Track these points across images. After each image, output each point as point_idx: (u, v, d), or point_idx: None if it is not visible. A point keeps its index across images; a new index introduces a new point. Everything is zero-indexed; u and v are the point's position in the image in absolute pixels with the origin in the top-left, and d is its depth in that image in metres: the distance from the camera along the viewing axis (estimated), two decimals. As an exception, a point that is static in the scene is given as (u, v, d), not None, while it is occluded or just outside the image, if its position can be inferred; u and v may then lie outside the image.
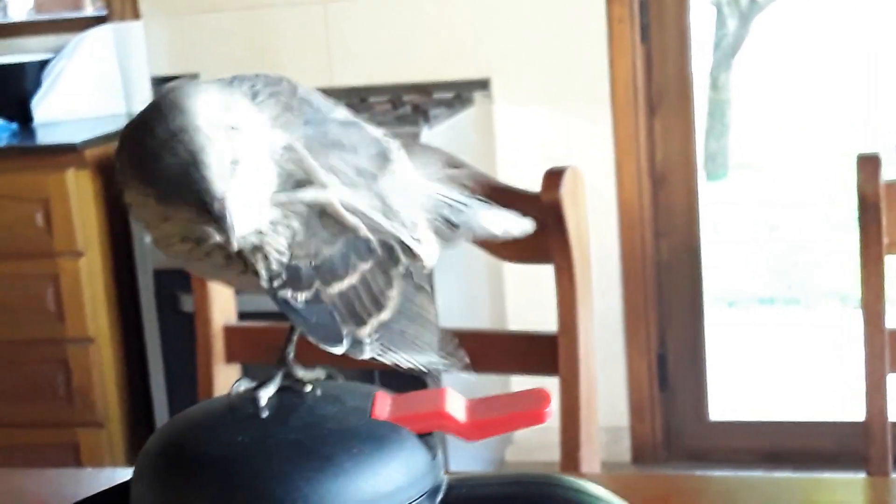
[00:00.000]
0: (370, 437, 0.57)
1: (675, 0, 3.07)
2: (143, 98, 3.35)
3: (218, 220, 0.56)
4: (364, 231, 0.63)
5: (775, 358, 4.12)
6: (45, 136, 3.13)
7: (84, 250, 2.92)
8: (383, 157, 0.66)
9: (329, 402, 0.60)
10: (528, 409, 0.58)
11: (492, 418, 0.59)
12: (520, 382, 2.82)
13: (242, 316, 1.70)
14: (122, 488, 0.59)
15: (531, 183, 1.46)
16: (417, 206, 0.68)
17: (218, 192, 0.56)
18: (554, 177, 1.45)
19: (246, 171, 0.58)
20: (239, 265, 0.60)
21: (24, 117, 3.25)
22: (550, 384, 1.24)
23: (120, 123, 3.20)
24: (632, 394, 3.16)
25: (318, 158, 0.61)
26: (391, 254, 0.65)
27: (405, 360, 0.65)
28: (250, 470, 0.55)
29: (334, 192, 0.61)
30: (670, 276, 3.16)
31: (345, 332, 0.62)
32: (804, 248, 4.88)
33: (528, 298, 3.14)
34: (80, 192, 2.90)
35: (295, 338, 0.64)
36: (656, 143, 3.11)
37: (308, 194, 0.60)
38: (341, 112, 0.67)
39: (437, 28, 3.16)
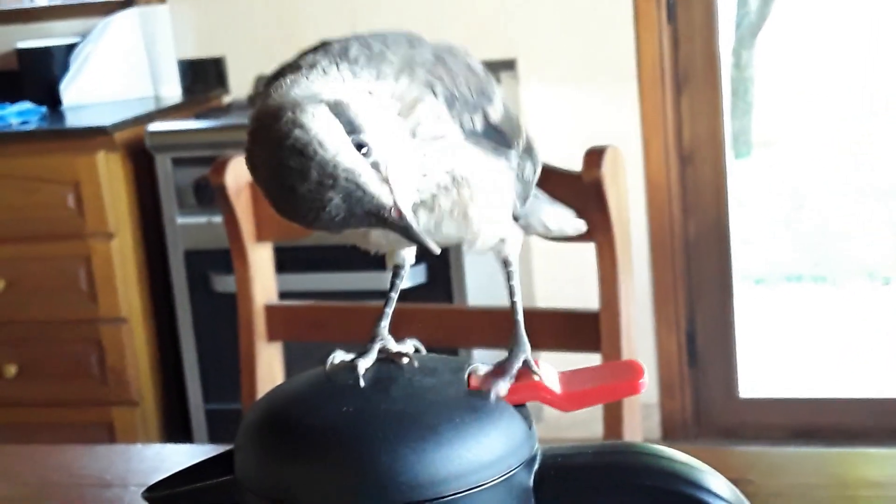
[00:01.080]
0: (470, 408, 0.58)
1: (701, -22, 3.07)
2: (170, 81, 3.37)
3: (400, 228, 0.57)
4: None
5: (803, 335, 4.12)
6: (73, 120, 3.15)
7: (115, 232, 2.95)
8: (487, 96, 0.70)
9: (426, 373, 0.62)
10: (623, 381, 0.60)
11: (587, 389, 0.61)
12: (546, 359, 2.83)
13: (283, 295, 1.72)
14: (225, 457, 0.61)
15: (558, 164, 1.47)
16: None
17: (387, 203, 0.56)
18: (595, 156, 1.46)
19: (390, 163, 0.57)
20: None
21: (52, 101, 3.27)
22: (591, 361, 1.25)
23: (148, 106, 3.22)
24: (661, 370, 3.17)
25: (440, 85, 0.63)
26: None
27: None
28: (357, 439, 0.56)
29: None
30: (699, 253, 3.16)
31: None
32: (830, 225, 4.87)
33: (555, 278, 3.15)
34: (110, 174, 2.92)
35: (390, 311, 0.66)
36: (683, 122, 3.11)
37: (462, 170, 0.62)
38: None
39: (462, 8, 3.17)
